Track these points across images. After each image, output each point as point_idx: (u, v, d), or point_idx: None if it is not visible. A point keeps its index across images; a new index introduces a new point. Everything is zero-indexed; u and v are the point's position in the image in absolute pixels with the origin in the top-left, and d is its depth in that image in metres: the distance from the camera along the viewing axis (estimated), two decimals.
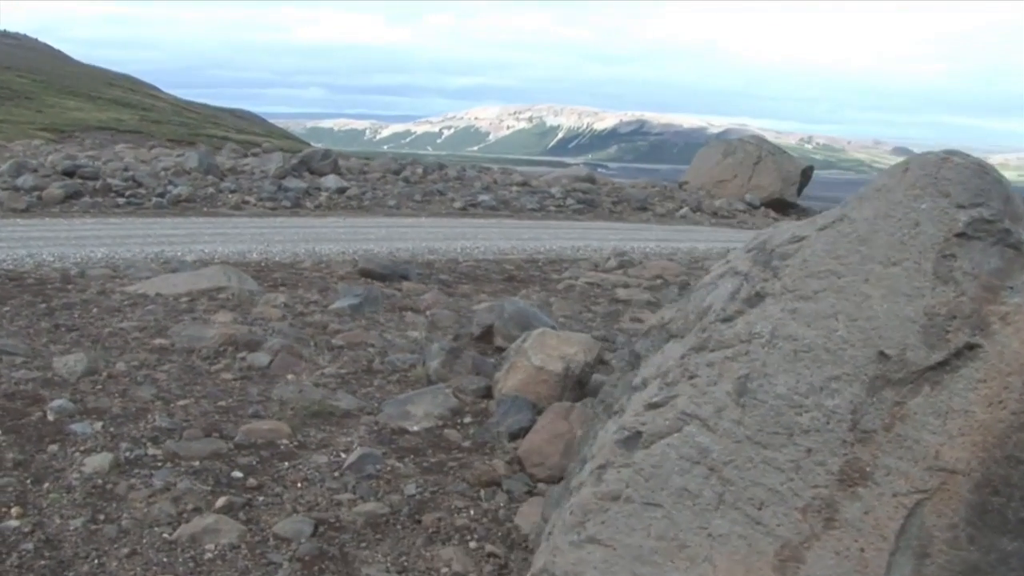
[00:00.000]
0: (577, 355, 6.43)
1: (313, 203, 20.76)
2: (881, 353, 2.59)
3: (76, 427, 5.36)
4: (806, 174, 35.67)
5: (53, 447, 5.10)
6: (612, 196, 28.13)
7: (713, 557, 2.98)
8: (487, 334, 8.08)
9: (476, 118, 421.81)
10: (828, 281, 2.79)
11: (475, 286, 11.82)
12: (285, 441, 5.48)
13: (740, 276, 3.11)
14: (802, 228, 3.18)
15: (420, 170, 26.76)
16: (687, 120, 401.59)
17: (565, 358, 6.40)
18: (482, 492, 5.09)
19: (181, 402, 5.95)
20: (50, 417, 5.51)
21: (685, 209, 28.65)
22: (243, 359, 6.89)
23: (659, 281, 13.13)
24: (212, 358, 6.90)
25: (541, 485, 5.26)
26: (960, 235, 2.75)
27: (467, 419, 6.12)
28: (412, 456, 5.46)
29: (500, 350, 7.66)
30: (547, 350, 6.43)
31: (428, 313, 9.17)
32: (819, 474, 2.73)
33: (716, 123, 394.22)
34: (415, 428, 5.90)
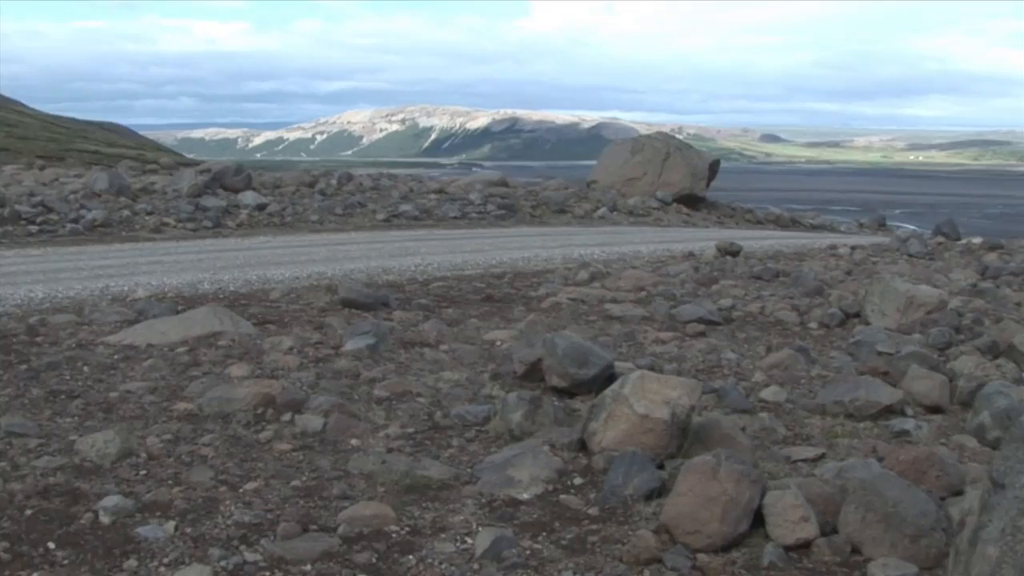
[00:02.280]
0: (681, 399, 5.73)
1: (235, 222, 19.67)
2: None
3: (144, 531, 4.43)
4: (713, 168, 35.70)
5: (131, 562, 4.17)
6: (530, 200, 27.61)
7: None
8: (532, 372, 7.32)
9: (349, 122, 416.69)
10: None
11: (459, 309, 11.04)
12: (395, 528, 4.65)
13: None
14: None
15: (334, 181, 25.78)
16: (559, 116, 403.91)
17: (670, 403, 5.69)
18: (645, 572, 4.36)
19: (249, 485, 5.05)
20: (105, 519, 4.56)
21: (603, 209, 28.30)
22: (291, 423, 6.00)
23: (643, 294, 12.53)
24: (254, 424, 5.99)
25: (701, 556, 4.56)
26: None
27: (576, 480, 5.38)
28: (544, 533, 4.70)
29: (557, 391, 6.93)
30: (650, 395, 5.71)
31: (444, 349, 8.36)
32: None
33: (588, 118, 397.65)
34: (526, 496, 5.14)
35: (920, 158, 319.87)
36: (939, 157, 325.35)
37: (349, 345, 7.97)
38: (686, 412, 5.73)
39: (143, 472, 5.17)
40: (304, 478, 5.19)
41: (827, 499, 4.99)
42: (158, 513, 4.65)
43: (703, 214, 33.07)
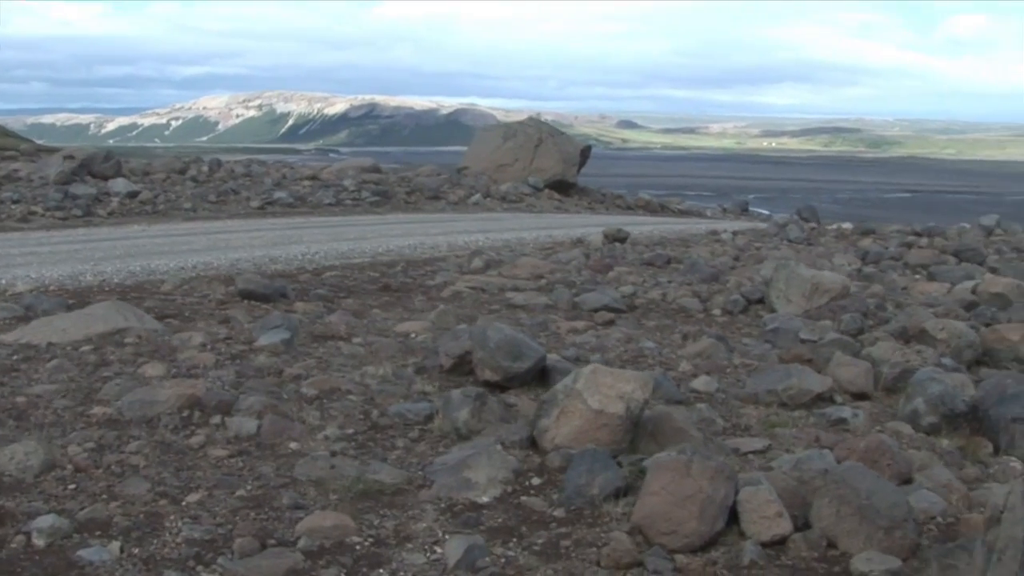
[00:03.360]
0: (635, 393, 5.57)
1: (106, 210, 18.83)
2: None
3: (86, 554, 4.04)
4: (585, 154, 35.87)
5: None
6: (404, 186, 27.29)
7: None
8: (460, 365, 7.07)
9: (204, 108, 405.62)
10: None
11: (359, 300, 10.72)
12: (357, 538, 4.37)
13: None
14: None
15: (205, 168, 24.99)
16: (417, 102, 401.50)
17: (624, 397, 5.53)
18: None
19: (191, 497, 4.68)
20: (39, 542, 4.14)
21: (477, 196, 28.14)
22: (221, 426, 5.62)
23: (542, 281, 12.37)
24: (182, 428, 5.59)
25: (680, 557, 4.41)
26: None
27: (534, 480, 5.17)
28: (514, 539, 4.49)
29: (490, 385, 6.69)
30: (603, 389, 5.54)
31: (358, 342, 8.05)
32: None
33: (446, 104, 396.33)
34: (485, 499, 4.92)
35: (773, 144, 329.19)
36: (791, 144, 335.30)
37: (262, 340, 7.58)
38: (640, 406, 5.59)
39: (72, 486, 4.74)
40: (249, 487, 4.85)
41: (791, 492, 4.91)
42: (98, 532, 4.26)
43: (574, 200, 33.17)
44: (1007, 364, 8.65)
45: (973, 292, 12.62)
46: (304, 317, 8.97)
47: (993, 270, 15.18)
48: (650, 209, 35.32)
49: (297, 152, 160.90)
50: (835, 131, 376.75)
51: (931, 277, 14.18)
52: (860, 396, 7.42)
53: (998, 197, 79.67)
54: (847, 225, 23.81)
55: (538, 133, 34.36)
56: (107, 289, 10.65)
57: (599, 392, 5.53)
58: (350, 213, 22.41)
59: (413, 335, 8.48)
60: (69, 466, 4.95)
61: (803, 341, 8.62)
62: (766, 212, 44.21)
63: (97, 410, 5.78)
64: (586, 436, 5.44)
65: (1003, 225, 24.60)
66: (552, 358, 7.27)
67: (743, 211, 40.84)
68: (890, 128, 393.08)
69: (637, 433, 5.64)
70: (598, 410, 5.47)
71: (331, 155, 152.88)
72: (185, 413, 5.75)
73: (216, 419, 5.70)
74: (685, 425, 5.82)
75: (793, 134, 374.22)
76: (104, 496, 4.64)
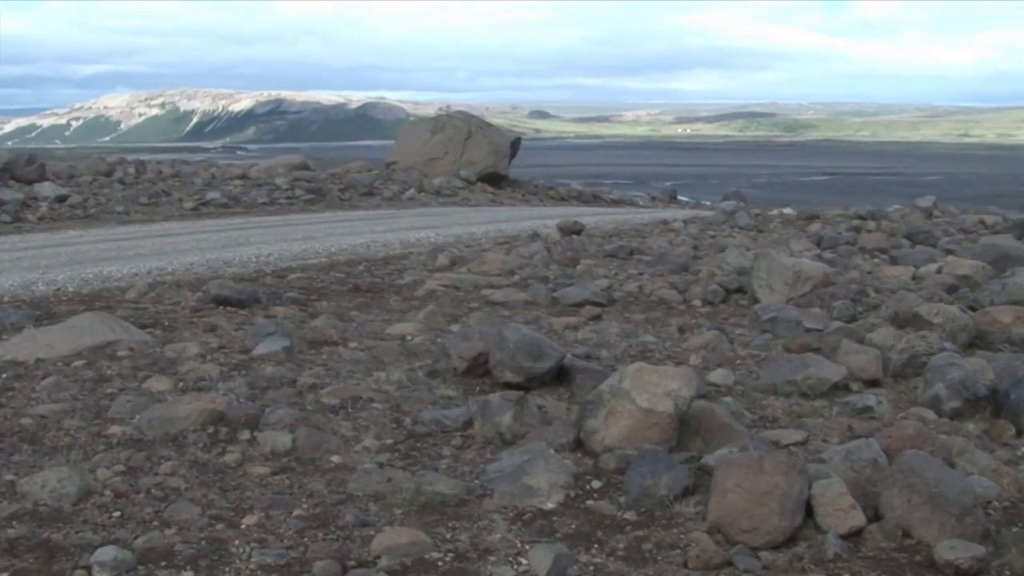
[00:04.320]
0: (682, 390, 5.54)
1: (35, 215, 18.34)
2: None
3: None
4: (515, 146, 35.84)
5: None
6: (337, 183, 27.04)
7: None
8: (474, 367, 6.96)
9: (106, 107, 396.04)
10: None
11: (333, 302, 10.53)
12: (436, 554, 4.26)
13: None
14: None
15: (132, 169, 24.41)
16: (325, 97, 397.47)
17: (671, 395, 5.49)
18: None
19: (248, 520, 4.51)
20: None
21: (411, 190, 27.97)
22: (253, 442, 5.45)
23: (516, 277, 12.30)
24: (211, 446, 5.41)
25: (764, 554, 4.39)
26: None
27: (594, 483, 5.10)
28: (595, 545, 4.42)
29: (511, 386, 6.59)
30: (650, 388, 5.49)
31: (355, 347, 7.89)
32: None
33: (355, 98, 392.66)
34: (550, 505, 4.84)
35: (688, 131, 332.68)
36: (706, 129, 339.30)
37: (260, 348, 7.38)
38: (687, 403, 5.56)
39: (116, 513, 4.54)
40: (305, 505, 4.70)
41: (853, 484, 4.91)
42: (163, 563, 4.08)
43: (508, 192, 33.12)
44: (999, 346, 8.81)
45: (939, 273, 12.86)
46: (288, 322, 8.76)
47: (950, 252, 15.48)
48: (583, 200, 35.42)
49: (204, 150, 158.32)
50: (749, 116, 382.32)
51: (893, 261, 14.39)
52: (872, 383, 7.47)
53: (915, 178, 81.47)
54: (788, 210, 24.08)
55: (467, 126, 34.20)
56: (65, 298, 10.32)
57: (646, 391, 5.47)
58: (286, 212, 22.11)
59: (409, 337, 8.34)
60: (107, 492, 4.74)
61: (808, 330, 8.66)
62: (685, 199, 44.55)
63: (115, 430, 5.56)
64: (637, 436, 5.39)
65: (939, 206, 25.16)
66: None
67: (672, 199, 41.18)
68: (804, 112, 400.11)
69: (683, 430, 5.60)
70: (647, 409, 5.42)
71: (239, 152, 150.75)
72: (211, 429, 5.56)
73: (245, 435, 5.52)
74: (729, 420, 5.79)
75: (708, 120, 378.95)
76: (155, 523, 4.45)
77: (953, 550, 4.33)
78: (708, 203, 38.55)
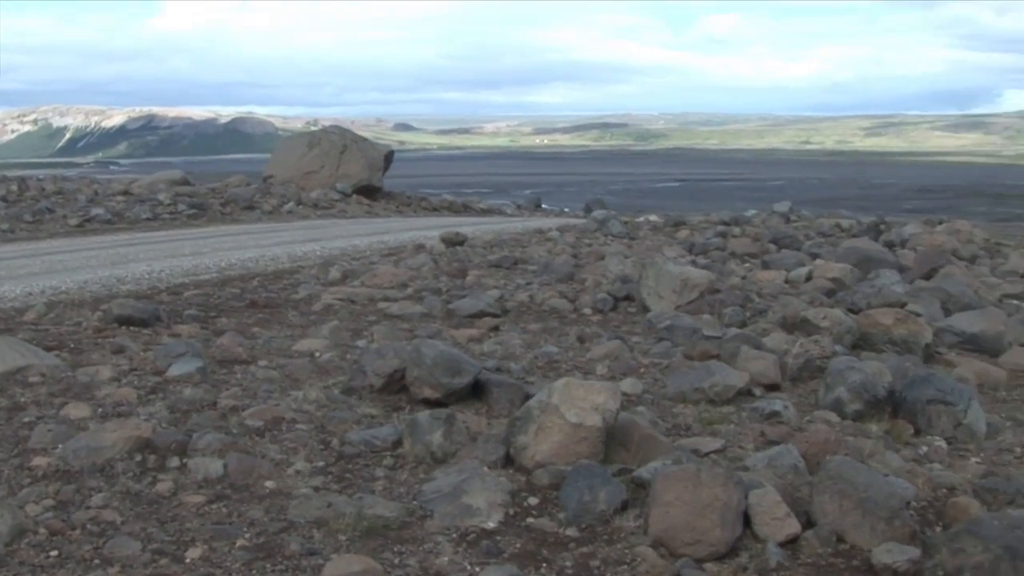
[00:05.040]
0: (608, 403, 5.49)
1: None
2: None
3: None
4: (388, 159, 35.59)
5: None
6: (218, 197, 26.45)
7: None
8: (391, 384, 6.78)
9: None
10: None
11: (233, 319, 10.21)
12: None
13: None
14: None
15: (15, 187, 23.43)
16: (196, 112, 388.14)
17: (599, 409, 5.43)
18: None
19: (192, 553, 4.26)
20: None
21: (290, 204, 27.56)
22: (183, 469, 5.17)
23: (409, 290, 12.13)
24: (142, 475, 5.10)
25: (709, 566, 4.36)
26: None
27: (531, 500, 4.99)
28: (544, 564, 4.32)
29: (429, 403, 6.44)
30: (579, 402, 5.42)
31: (265, 365, 7.62)
32: None
33: (225, 113, 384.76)
34: (491, 524, 4.71)
35: (546, 141, 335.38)
36: (563, 140, 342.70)
37: (174, 370, 7.05)
38: (613, 416, 5.50)
39: (54, 552, 4.23)
40: (248, 535, 4.46)
41: (782, 491, 4.92)
42: None
43: (383, 204, 32.88)
44: (882, 347, 9.03)
45: (808, 280, 13.17)
46: (195, 341, 8.42)
47: (815, 255, 15.90)
48: (454, 209, 35.40)
49: (76, 165, 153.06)
50: (604, 127, 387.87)
51: (765, 265, 14.72)
52: (772, 387, 7.56)
53: (761, 183, 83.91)
54: (654, 217, 24.43)
55: (342, 140, 33.84)
56: None
57: (575, 405, 5.40)
58: (170, 227, 21.47)
59: (317, 354, 8.10)
60: (41, 530, 4.42)
61: (707, 337, 8.72)
62: (549, 207, 44.89)
63: (39, 461, 5.21)
64: (567, 451, 5.31)
65: (794, 210, 25.85)
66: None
67: (536, 207, 41.55)
68: (656, 122, 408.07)
69: (609, 443, 5.54)
70: (577, 423, 5.35)
71: (111, 167, 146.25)
72: (139, 457, 5.26)
73: (175, 462, 5.24)
74: (653, 432, 5.76)
75: (565, 131, 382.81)
76: (96, 561, 4.16)
77: (890, 553, 4.37)
78: (568, 210, 38.91)
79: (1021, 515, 4.52)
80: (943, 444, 6.44)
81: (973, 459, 6.10)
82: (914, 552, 4.37)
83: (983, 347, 9.40)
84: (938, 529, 4.82)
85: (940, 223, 22.53)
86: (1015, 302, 12.87)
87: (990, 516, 4.57)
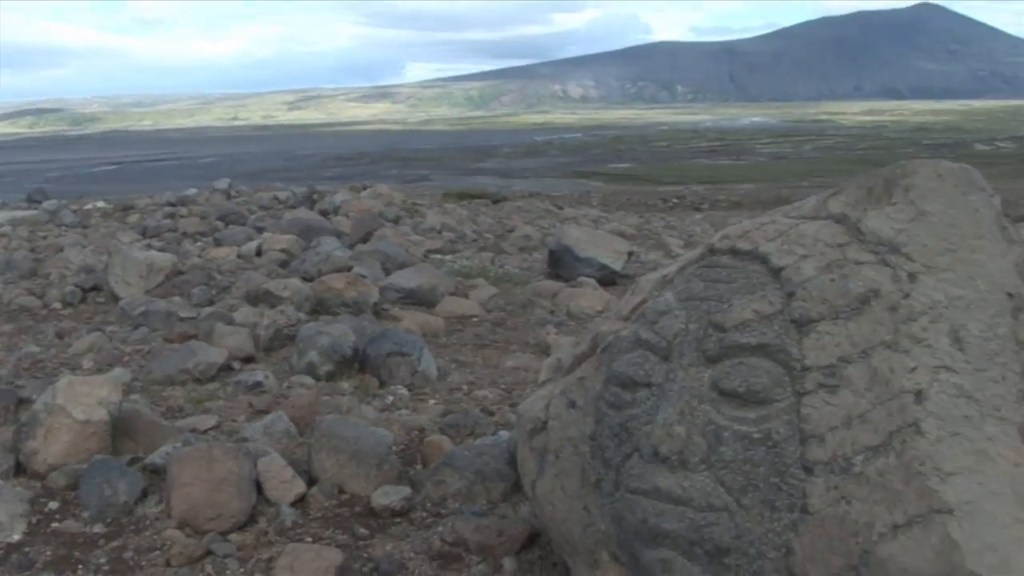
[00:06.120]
0: (111, 396, 5.41)
1: None
2: (1008, 294, 3.10)
3: None
4: None
5: None
6: None
7: None
8: None
9: None
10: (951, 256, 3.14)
11: None
12: None
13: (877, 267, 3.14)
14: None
15: None
16: None
17: (103, 403, 5.34)
18: (198, 568, 4.26)
19: None
20: None
21: None
22: None
23: None
24: None
25: (234, 536, 4.55)
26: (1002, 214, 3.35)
27: (52, 505, 4.81)
28: (79, 567, 4.25)
29: None
30: (83, 399, 5.29)
31: None
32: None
33: None
34: (18, 537, 4.48)
35: None
36: None
37: None
38: (118, 408, 5.44)
39: None
40: None
41: (284, 455, 5.22)
42: None
43: None
44: (337, 310, 9.58)
45: (258, 253, 13.47)
46: None
47: (261, 228, 16.20)
48: None
49: None
50: (38, 112, 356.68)
51: (217, 243, 14.73)
52: (248, 359, 7.80)
53: (193, 160, 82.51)
54: (102, 203, 23.18)
55: None
56: None
57: (80, 402, 5.26)
58: None
59: None
60: None
61: (183, 319, 8.70)
62: None
63: None
64: (78, 449, 5.17)
65: (234, 186, 25.90)
66: None
67: None
68: (90, 105, 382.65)
69: (114, 435, 5.47)
70: (84, 420, 5.22)
71: None
72: None
73: None
74: (155, 418, 5.77)
75: None
76: None
77: (386, 495, 4.83)
78: (8, 203, 35.67)
79: (483, 443, 5.23)
80: (405, 392, 7.07)
81: (432, 401, 6.80)
82: (405, 490, 4.89)
83: (421, 300, 10.30)
84: (419, 467, 5.39)
85: (364, 188, 23.71)
86: (439, 256, 14.18)
87: (460, 448, 5.22)
